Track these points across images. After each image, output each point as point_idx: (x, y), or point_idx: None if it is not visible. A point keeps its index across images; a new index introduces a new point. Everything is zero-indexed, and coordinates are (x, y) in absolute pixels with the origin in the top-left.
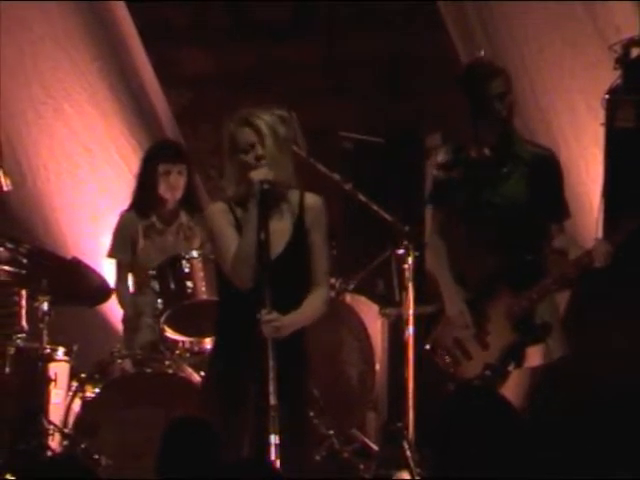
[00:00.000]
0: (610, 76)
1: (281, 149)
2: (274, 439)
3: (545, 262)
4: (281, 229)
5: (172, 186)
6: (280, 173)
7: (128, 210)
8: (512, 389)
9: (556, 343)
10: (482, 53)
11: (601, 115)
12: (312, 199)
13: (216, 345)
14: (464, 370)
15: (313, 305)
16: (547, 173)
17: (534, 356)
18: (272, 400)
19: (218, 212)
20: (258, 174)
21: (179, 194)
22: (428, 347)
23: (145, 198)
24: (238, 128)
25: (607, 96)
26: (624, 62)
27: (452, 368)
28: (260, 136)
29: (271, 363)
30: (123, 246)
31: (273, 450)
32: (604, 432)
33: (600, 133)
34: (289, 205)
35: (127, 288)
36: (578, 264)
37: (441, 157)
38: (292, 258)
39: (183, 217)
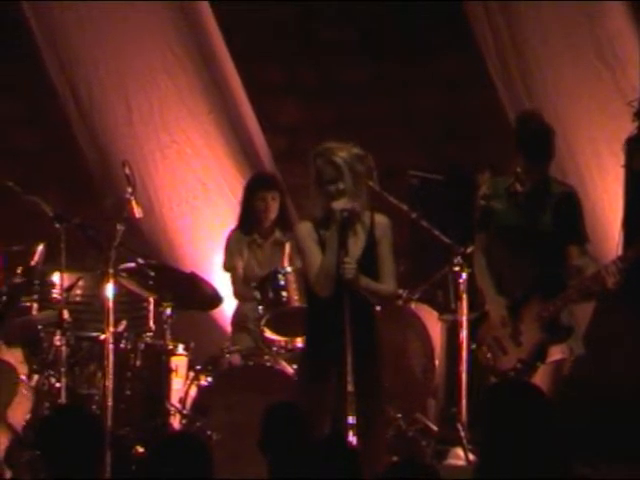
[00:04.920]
0: (629, 126)
1: (357, 182)
2: (351, 420)
3: (568, 276)
4: (357, 241)
5: (267, 209)
6: (356, 202)
7: (235, 230)
8: (540, 381)
9: (577, 343)
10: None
11: (621, 159)
12: (380, 218)
13: (306, 343)
14: (501, 363)
15: (383, 285)
16: (570, 206)
17: (555, 352)
18: (349, 387)
19: (305, 230)
20: (338, 204)
21: (273, 215)
22: (474, 346)
23: (247, 219)
24: (324, 165)
25: (626, 143)
26: None
27: (492, 362)
28: (341, 173)
29: (349, 358)
30: (233, 260)
31: (350, 430)
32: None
33: (620, 173)
34: (363, 223)
35: (242, 287)
36: (593, 278)
37: (484, 190)
38: (366, 262)
39: (277, 233)
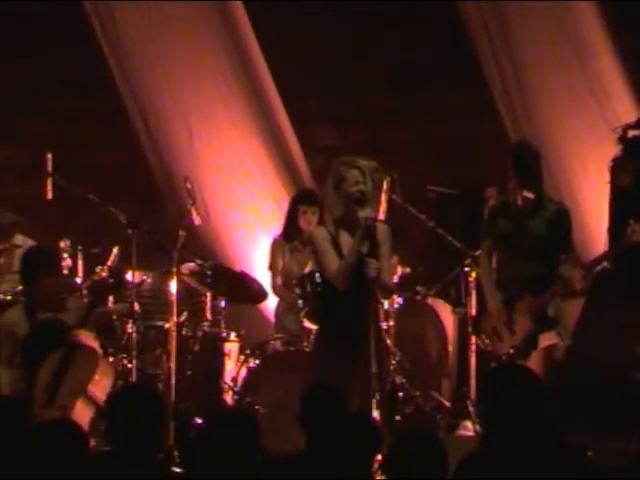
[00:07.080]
0: (613, 149)
1: (374, 189)
2: (376, 398)
3: (555, 276)
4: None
5: (308, 221)
6: (373, 208)
7: (279, 236)
8: (535, 364)
9: (564, 332)
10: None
11: (607, 176)
12: (381, 225)
13: (323, 332)
14: (497, 349)
15: (389, 282)
16: (562, 221)
17: (545, 339)
18: (373, 369)
19: (321, 234)
20: (364, 212)
21: (312, 227)
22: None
23: (290, 228)
24: (348, 170)
25: (611, 163)
26: (623, 140)
27: (490, 348)
28: (364, 177)
29: (372, 344)
30: (276, 261)
31: (375, 407)
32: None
33: (606, 189)
34: None
35: (280, 286)
36: (567, 280)
37: (492, 203)
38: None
39: None
